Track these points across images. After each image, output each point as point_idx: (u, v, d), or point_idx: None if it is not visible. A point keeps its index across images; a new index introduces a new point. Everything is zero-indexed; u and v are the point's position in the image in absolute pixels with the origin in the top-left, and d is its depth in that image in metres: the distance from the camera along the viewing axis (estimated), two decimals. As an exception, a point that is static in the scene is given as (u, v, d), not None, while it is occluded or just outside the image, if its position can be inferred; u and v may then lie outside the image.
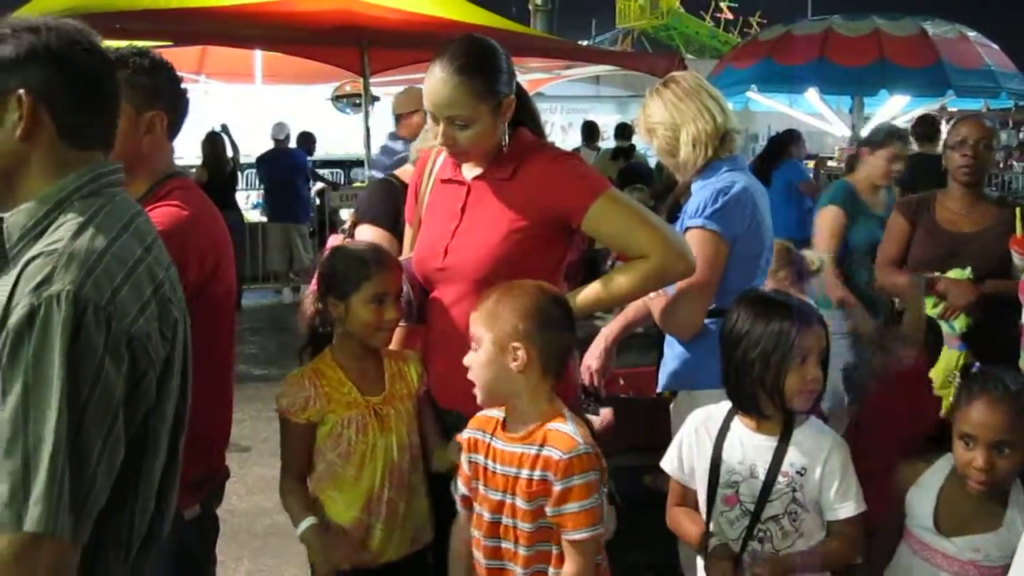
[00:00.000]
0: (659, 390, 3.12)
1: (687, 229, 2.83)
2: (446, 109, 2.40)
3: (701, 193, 2.86)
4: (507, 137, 2.49)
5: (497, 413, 2.23)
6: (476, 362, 2.16)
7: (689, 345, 2.89)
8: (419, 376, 2.59)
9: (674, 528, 2.49)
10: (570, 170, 2.49)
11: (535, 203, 2.44)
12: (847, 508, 2.29)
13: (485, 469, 2.20)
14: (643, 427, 3.74)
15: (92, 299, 1.51)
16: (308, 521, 2.46)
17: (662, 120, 2.93)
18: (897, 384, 3.12)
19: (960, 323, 3.47)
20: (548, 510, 2.08)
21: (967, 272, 3.47)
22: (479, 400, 2.20)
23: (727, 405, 2.41)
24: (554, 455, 2.07)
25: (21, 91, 1.60)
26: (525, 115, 2.58)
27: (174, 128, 2.33)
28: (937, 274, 3.51)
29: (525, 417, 2.15)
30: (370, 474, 2.50)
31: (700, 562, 2.45)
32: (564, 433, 2.10)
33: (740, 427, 2.36)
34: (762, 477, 2.30)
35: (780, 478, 2.29)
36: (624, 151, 10.43)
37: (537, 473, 2.09)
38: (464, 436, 2.28)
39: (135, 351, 1.58)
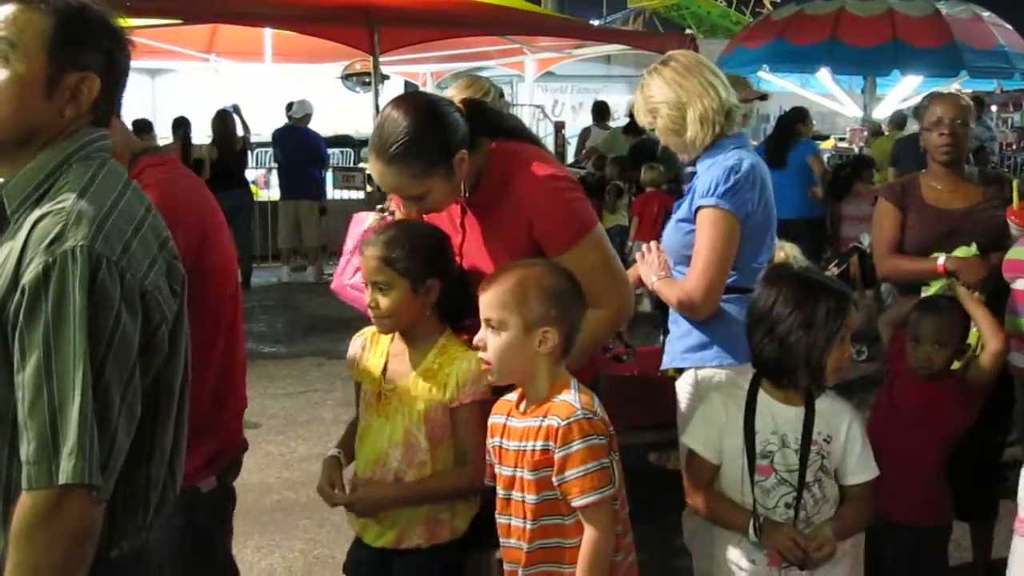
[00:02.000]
0: (664, 367, 3.12)
1: (699, 208, 2.81)
2: (396, 192, 2.41)
3: (711, 171, 2.82)
4: (468, 183, 2.42)
5: (513, 396, 2.24)
6: (498, 345, 2.14)
7: (695, 323, 2.88)
8: (460, 383, 2.38)
9: (708, 511, 2.47)
10: (559, 201, 2.42)
11: (525, 226, 2.41)
12: (867, 472, 2.43)
13: (500, 448, 2.22)
14: (648, 405, 3.75)
15: (105, 254, 1.53)
16: (331, 452, 2.55)
17: (665, 99, 2.87)
18: (933, 380, 3.12)
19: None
20: (554, 479, 2.10)
21: (973, 248, 3.47)
22: (494, 379, 2.22)
23: (745, 380, 2.45)
24: (554, 423, 2.10)
25: (94, 75, 1.64)
26: (496, 129, 2.51)
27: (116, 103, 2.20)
28: (942, 255, 3.50)
29: (539, 393, 2.17)
30: (361, 453, 2.48)
31: (717, 542, 2.47)
32: (564, 401, 2.13)
33: (767, 399, 2.41)
34: (794, 446, 2.36)
35: (811, 446, 2.36)
36: (635, 127, 10.39)
37: (540, 443, 2.12)
38: (490, 422, 2.28)
39: (148, 304, 1.60)
